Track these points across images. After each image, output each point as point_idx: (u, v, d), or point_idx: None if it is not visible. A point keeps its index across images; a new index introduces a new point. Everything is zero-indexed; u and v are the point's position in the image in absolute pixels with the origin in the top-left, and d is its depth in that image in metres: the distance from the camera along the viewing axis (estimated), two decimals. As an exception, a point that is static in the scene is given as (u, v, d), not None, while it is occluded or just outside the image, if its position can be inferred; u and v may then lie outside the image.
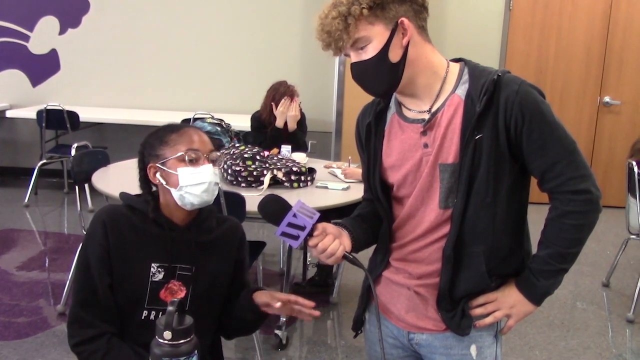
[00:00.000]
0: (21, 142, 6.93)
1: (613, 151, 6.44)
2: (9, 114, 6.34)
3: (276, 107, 4.19)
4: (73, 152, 3.83)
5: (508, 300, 1.51)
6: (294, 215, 1.40)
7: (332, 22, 1.38)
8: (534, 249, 1.54)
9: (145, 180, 1.77)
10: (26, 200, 5.94)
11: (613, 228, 5.20)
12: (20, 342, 3.25)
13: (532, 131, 1.39)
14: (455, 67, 1.50)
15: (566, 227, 1.44)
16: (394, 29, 1.40)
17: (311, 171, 3.49)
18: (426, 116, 1.47)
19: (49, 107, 5.87)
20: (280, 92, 4.21)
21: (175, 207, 1.73)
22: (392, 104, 1.57)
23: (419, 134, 1.48)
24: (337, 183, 3.46)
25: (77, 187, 3.69)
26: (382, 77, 1.44)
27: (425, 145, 1.47)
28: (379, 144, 1.56)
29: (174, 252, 1.72)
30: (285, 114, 4.19)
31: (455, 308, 1.51)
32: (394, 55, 1.41)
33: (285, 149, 3.99)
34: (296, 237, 1.41)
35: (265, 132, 4.24)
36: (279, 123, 4.19)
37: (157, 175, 1.72)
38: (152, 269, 1.69)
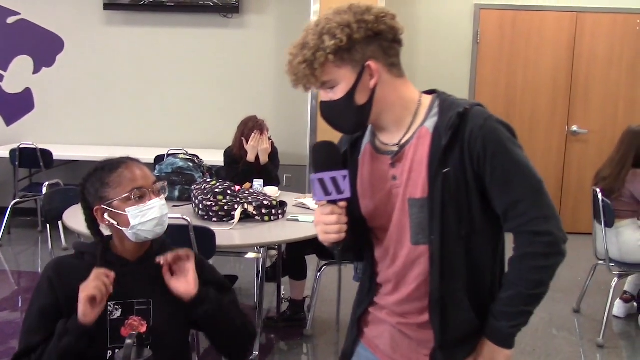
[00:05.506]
0: (-6, 182, 6.87)
1: (582, 178, 6.53)
2: (-18, 153, 6.29)
3: (247, 142, 4.24)
4: (44, 190, 3.82)
5: (486, 355, 1.47)
6: (344, 177, 1.40)
7: (299, 66, 1.39)
8: None
9: (91, 220, 1.76)
10: (-1, 239, 5.88)
11: (584, 254, 5.23)
12: (-11, 384, 3.20)
13: (495, 168, 1.37)
14: (427, 100, 1.49)
15: (527, 268, 1.40)
16: (361, 72, 1.39)
17: (282, 204, 3.52)
18: (396, 148, 1.47)
19: (22, 146, 5.85)
20: (249, 127, 4.27)
21: (129, 243, 1.74)
22: (368, 133, 1.57)
23: (389, 165, 1.48)
24: (308, 216, 3.49)
25: (48, 226, 3.68)
26: (349, 118, 1.45)
27: (394, 178, 1.47)
28: (354, 173, 1.54)
29: (128, 288, 1.71)
30: (257, 148, 4.24)
31: None
32: (361, 98, 1.42)
33: (257, 183, 4.03)
34: (328, 193, 1.40)
35: (237, 167, 4.28)
36: (251, 157, 4.24)
37: (106, 216, 1.72)
38: (108, 307, 1.68)
